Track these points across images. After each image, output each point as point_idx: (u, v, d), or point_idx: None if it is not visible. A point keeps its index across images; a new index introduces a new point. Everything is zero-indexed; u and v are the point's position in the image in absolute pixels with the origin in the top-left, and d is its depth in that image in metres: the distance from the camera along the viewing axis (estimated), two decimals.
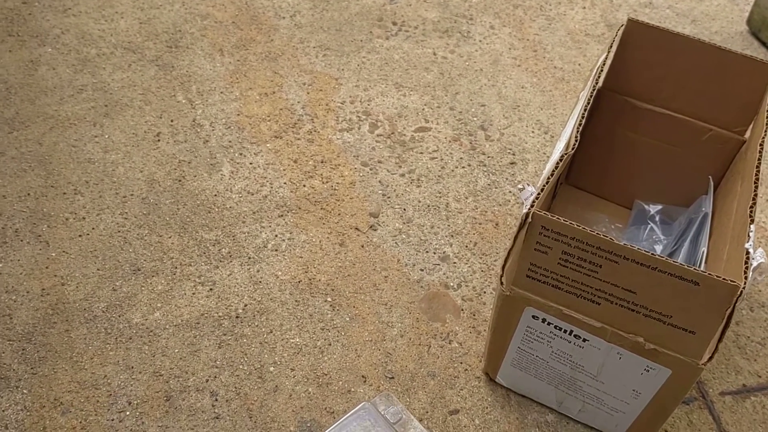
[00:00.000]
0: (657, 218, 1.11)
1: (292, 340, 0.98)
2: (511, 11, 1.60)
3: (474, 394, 0.94)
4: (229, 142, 1.24)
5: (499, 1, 1.62)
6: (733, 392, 0.97)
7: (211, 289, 1.03)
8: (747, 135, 1.01)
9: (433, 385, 0.94)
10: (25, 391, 0.90)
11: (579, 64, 1.47)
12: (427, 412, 0.91)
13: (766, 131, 0.88)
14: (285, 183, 1.18)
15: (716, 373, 0.99)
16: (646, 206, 1.12)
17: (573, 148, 0.83)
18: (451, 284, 1.06)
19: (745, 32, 1.60)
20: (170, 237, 1.09)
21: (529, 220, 0.75)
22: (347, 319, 1.01)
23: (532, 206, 0.76)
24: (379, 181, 1.20)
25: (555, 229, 0.74)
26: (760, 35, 1.57)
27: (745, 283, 0.71)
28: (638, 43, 1.00)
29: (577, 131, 0.85)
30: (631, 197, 1.15)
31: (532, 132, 1.31)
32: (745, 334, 1.04)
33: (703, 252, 0.96)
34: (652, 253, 0.72)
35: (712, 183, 1.05)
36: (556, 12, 1.61)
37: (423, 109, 1.35)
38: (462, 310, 1.03)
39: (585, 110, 0.89)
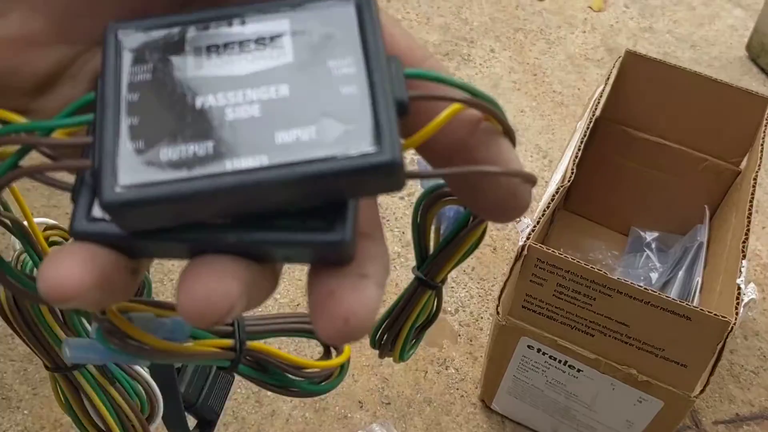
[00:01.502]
0: (653, 246, 1.12)
1: None
2: (511, 35, 1.61)
3: (470, 421, 0.95)
4: None
5: (500, 24, 1.64)
6: (726, 421, 0.98)
7: None
8: (742, 166, 1.02)
9: (429, 411, 0.95)
10: (25, 411, 0.91)
11: (578, 89, 1.48)
12: None
13: (760, 164, 0.90)
14: None
15: (710, 402, 1.00)
16: (642, 233, 1.13)
17: (569, 181, 0.84)
18: (449, 309, 1.07)
19: (744, 58, 1.61)
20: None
21: (525, 252, 0.76)
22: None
23: (528, 239, 0.77)
24: (378, 204, 1.21)
25: (550, 262, 0.76)
26: (758, 61, 1.59)
27: (736, 318, 0.72)
28: (636, 74, 1.02)
29: (574, 163, 0.86)
30: (627, 224, 1.16)
31: (531, 156, 1.33)
32: (739, 362, 1.05)
33: (697, 282, 0.97)
34: (645, 288, 0.73)
35: (707, 212, 1.06)
36: (557, 36, 1.62)
37: None
38: (459, 335, 1.04)
39: (582, 142, 0.90)
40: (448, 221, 0.34)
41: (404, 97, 0.21)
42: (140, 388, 0.43)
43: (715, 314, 0.71)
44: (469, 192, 0.24)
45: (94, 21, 0.23)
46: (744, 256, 0.80)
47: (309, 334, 0.36)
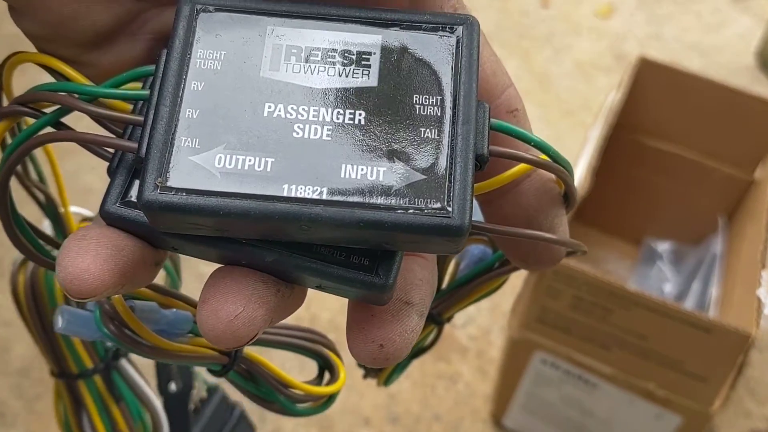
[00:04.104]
0: (666, 257, 1.09)
1: None
2: (516, 42, 1.59)
3: None
4: None
5: (506, 31, 1.62)
6: None
7: None
8: (756, 174, 1.00)
9: (438, 427, 0.92)
10: (21, 428, 0.89)
11: (586, 97, 1.46)
12: None
13: None
14: None
15: (726, 417, 0.97)
16: (655, 245, 1.11)
17: (587, 192, 0.82)
18: (457, 322, 1.04)
19: (752, 66, 1.59)
20: None
21: None
22: (350, 358, 0.99)
23: None
24: None
25: (566, 274, 0.73)
26: (767, 69, 1.57)
27: (756, 331, 0.70)
28: (649, 81, 0.99)
29: (592, 175, 0.84)
30: (640, 235, 1.13)
31: None
32: (754, 376, 1.02)
33: (712, 294, 0.95)
34: (664, 300, 0.71)
35: (721, 222, 1.04)
36: (563, 43, 1.60)
37: None
38: (468, 349, 1.01)
39: (599, 152, 0.88)
40: (471, 259, 0.32)
41: (485, 152, 0.19)
42: (147, 416, 0.40)
43: (734, 327, 0.69)
44: (512, 243, 0.24)
45: None
46: (764, 266, 0.77)
47: (308, 352, 0.33)
